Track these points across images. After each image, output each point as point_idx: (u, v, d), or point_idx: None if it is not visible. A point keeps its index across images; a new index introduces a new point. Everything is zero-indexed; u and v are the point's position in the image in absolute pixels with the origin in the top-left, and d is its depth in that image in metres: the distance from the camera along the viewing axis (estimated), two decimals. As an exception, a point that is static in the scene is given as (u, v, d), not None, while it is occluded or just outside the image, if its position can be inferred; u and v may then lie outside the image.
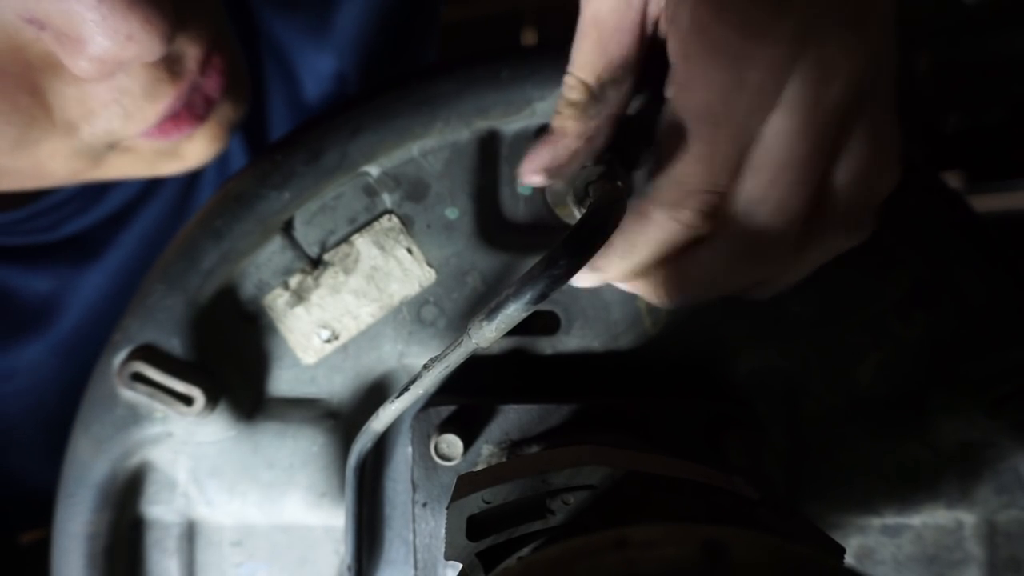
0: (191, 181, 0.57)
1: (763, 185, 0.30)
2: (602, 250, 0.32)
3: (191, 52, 0.37)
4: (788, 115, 0.30)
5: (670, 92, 0.31)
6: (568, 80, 0.33)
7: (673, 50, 0.31)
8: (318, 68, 0.61)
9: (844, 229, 0.32)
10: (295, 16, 0.60)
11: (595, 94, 0.32)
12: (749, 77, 0.29)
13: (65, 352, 0.56)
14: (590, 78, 0.32)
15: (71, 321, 0.56)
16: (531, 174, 0.34)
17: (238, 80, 0.42)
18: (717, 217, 0.31)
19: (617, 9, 0.31)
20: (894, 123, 0.32)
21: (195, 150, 0.42)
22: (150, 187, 0.55)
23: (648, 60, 0.33)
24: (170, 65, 0.37)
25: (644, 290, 0.35)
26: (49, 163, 0.38)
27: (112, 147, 0.39)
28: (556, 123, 0.33)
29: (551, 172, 0.34)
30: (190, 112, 0.39)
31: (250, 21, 0.59)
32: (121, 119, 0.37)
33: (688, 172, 0.31)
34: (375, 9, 0.62)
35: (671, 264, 0.34)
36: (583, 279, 0.34)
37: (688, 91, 0.30)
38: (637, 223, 0.32)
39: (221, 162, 0.55)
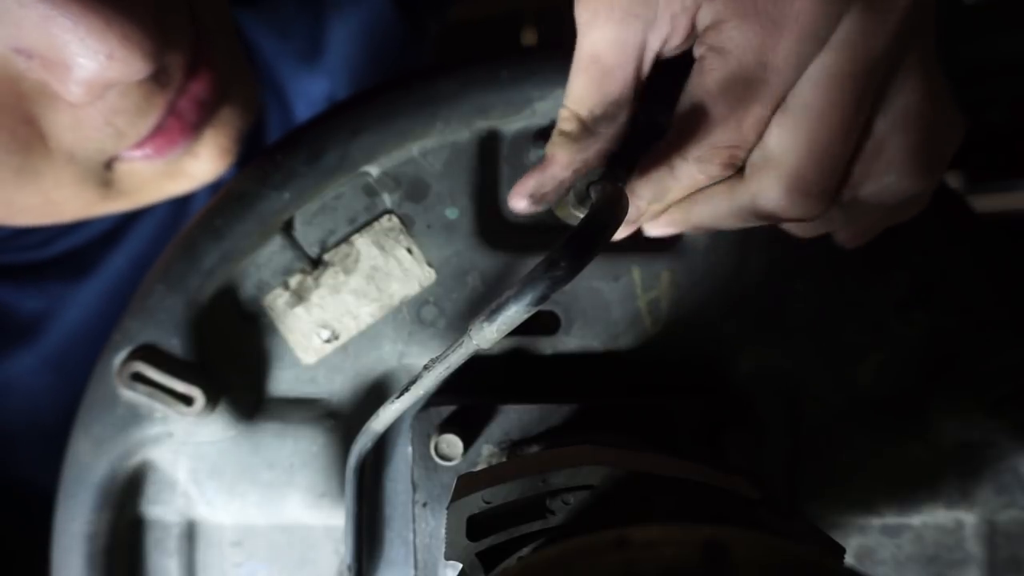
0: (182, 200, 0.57)
1: (796, 131, 0.30)
2: (632, 195, 0.33)
3: (175, 60, 0.37)
4: (832, 59, 0.29)
5: (699, 51, 0.31)
6: (563, 112, 0.33)
7: (706, 15, 0.30)
8: (310, 92, 0.62)
9: (901, 179, 0.32)
10: (287, 42, 0.60)
11: (587, 128, 0.33)
12: (786, 38, 0.29)
13: (57, 367, 0.56)
14: (583, 112, 0.32)
15: (62, 337, 0.56)
16: (518, 198, 0.35)
17: (238, 84, 0.42)
18: (746, 162, 0.32)
19: (615, 46, 0.31)
20: (942, 75, 0.32)
21: (201, 165, 0.41)
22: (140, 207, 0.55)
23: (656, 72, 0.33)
24: (158, 77, 0.36)
25: (681, 224, 0.36)
26: (55, 194, 0.38)
27: (109, 166, 0.38)
28: (548, 150, 0.34)
29: (536, 198, 0.34)
30: (180, 121, 0.38)
31: (244, 47, 0.59)
32: (114, 139, 0.36)
33: (716, 130, 0.31)
34: (365, 33, 0.63)
35: (705, 198, 0.34)
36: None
37: (720, 55, 0.30)
38: (663, 172, 0.32)
39: (214, 183, 0.55)
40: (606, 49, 0.31)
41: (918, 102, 0.31)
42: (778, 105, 0.30)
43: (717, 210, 0.34)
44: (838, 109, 0.30)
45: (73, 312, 0.56)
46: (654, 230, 0.36)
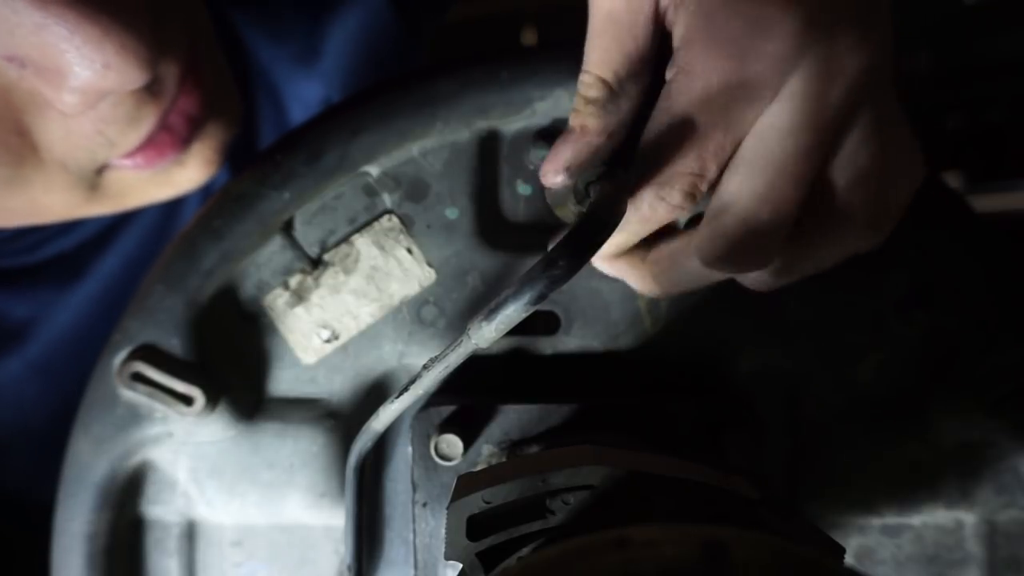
0: (173, 204, 0.56)
1: (752, 178, 0.31)
2: None
3: (169, 71, 0.37)
4: (787, 110, 0.30)
5: (670, 75, 0.31)
6: (585, 78, 0.33)
7: (678, 35, 0.31)
8: (305, 95, 0.61)
9: (851, 230, 0.32)
10: (283, 45, 0.60)
11: (615, 90, 0.32)
12: (751, 69, 0.29)
13: (47, 372, 0.55)
14: (608, 74, 0.32)
15: (50, 341, 0.55)
16: (554, 174, 0.34)
17: (224, 98, 0.42)
18: (699, 201, 0.32)
19: (631, 3, 0.31)
20: (903, 125, 0.32)
21: (188, 174, 0.41)
22: (131, 209, 0.55)
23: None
24: (151, 87, 0.36)
25: (634, 279, 0.36)
26: (44, 199, 0.38)
27: (99, 172, 0.38)
28: (576, 121, 0.33)
29: (572, 171, 0.34)
30: (171, 134, 0.38)
31: (239, 51, 0.59)
32: (105, 148, 0.36)
33: (679, 155, 0.31)
34: (362, 36, 0.62)
35: (660, 253, 0.35)
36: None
37: (688, 77, 0.30)
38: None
39: (205, 186, 0.55)
40: (623, 6, 0.31)
41: (873, 158, 0.31)
42: (737, 139, 0.31)
43: (678, 268, 0.34)
44: (791, 159, 0.30)
45: (63, 316, 0.55)
46: (603, 265, 0.36)
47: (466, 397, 0.38)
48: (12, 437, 0.56)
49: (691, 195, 0.32)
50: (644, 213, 0.33)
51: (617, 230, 0.32)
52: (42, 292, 0.54)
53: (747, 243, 0.32)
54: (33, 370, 0.55)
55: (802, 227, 0.32)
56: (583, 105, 0.33)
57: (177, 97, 0.38)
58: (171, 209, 0.57)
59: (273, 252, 0.39)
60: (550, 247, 0.32)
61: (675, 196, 0.32)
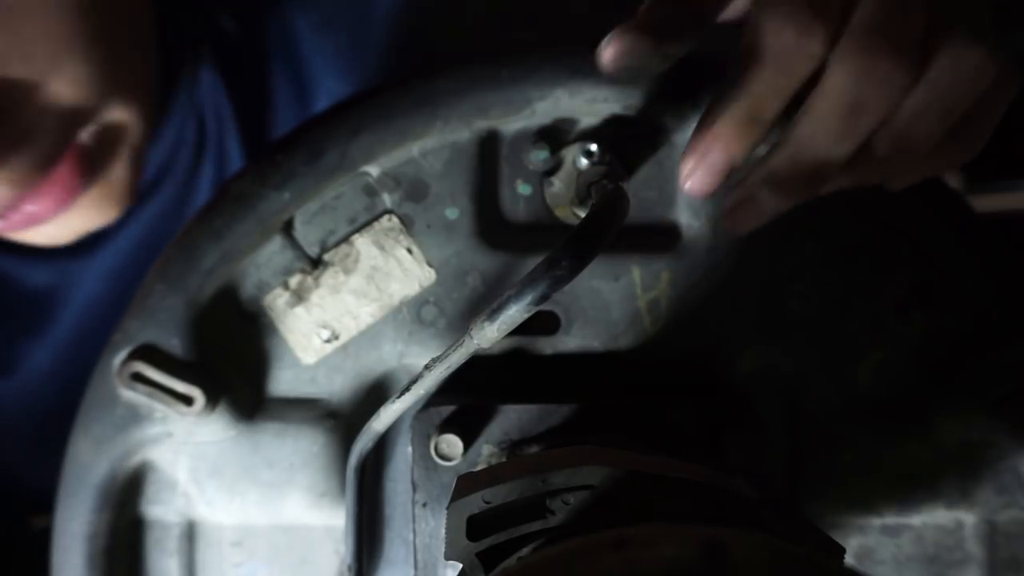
0: (189, 180, 0.57)
1: (827, 120, 0.29)
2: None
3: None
4: (858, 37, 0.28)
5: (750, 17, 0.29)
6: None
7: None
8: (338, 94, 0.60)
9: (935, 156, 0.30)
10: (328, 38, 0.58)
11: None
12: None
13: (63, 350, 0.55)
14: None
15: (70, 318, 0.55)
16: (625, 44, 0.30)
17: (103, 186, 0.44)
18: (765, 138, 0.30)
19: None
20: (992, 37, 0.30)
21: (50, 231, 0.44)
22: (148, 186, 0.55)
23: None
24: None
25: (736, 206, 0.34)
26: None
27: None
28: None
29: (636, 55, 0.30)
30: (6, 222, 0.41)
31: (277, 27, 0.57)
32: None
33: (762, 102, 0.29)
34: (408, 42, 0.61)
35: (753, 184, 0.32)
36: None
37: (768, 27, 0.28)
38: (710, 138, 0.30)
39: (219, 161, 0.55)
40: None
41: (961, 82, 0.29)
42: (802, 78, 0.29)
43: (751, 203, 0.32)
44: (870, 93, 0.28)
45: (81, 292, 0.55)
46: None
47: (466, 397, 0.38)
48: (25, 416, 0.55)
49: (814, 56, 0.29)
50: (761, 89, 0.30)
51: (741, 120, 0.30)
52: (61, 262, 0.54)
53: (813, 178, 0.30)
54: (53, 346, 0.55)
55: (877, 149, 0.30)
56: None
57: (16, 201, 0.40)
58: (186, 187, 0.56)
59: (273, 252, 0.39)
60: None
61: (754, 139, 0.30)
